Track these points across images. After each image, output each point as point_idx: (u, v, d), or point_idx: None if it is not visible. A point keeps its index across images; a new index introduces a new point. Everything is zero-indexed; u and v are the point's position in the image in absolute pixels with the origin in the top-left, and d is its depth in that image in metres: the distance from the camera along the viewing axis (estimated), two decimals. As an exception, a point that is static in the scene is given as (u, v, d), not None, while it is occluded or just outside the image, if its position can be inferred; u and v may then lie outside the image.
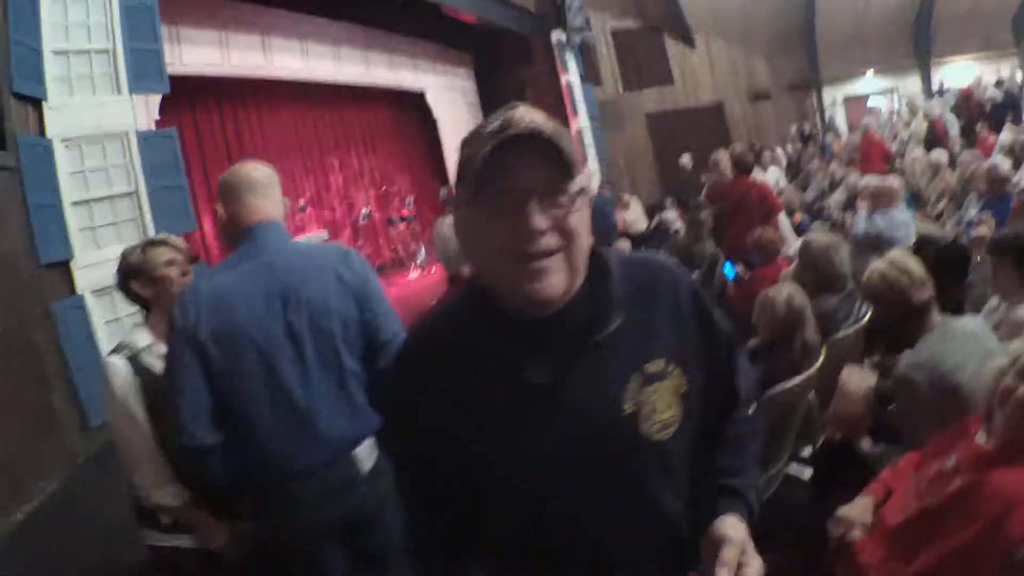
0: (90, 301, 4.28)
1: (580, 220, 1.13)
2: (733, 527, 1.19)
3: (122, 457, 2.28)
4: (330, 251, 2.34)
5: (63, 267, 4.20)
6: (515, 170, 1.09)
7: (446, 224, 2.72)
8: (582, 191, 1.13)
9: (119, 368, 2.29)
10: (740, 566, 1.11)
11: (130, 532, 2.49)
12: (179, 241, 2.55)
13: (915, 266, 2.80)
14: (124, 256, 2.44)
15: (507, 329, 1.18)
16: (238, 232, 2.25)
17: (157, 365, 2.33)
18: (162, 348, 2.34)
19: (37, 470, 3.51)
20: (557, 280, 1.12)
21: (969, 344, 2.55)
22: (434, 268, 9.95)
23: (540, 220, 1.09)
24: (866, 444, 2.86)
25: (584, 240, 1.14)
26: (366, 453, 2.28)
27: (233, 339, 2.10)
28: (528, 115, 1.11)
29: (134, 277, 2.41)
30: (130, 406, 2.27)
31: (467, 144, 1.15)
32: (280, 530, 2.19)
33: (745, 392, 1.41)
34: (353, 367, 2.24)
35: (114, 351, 2.35)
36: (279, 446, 2.13)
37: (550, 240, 1.10)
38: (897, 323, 2.84)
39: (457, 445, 1.21)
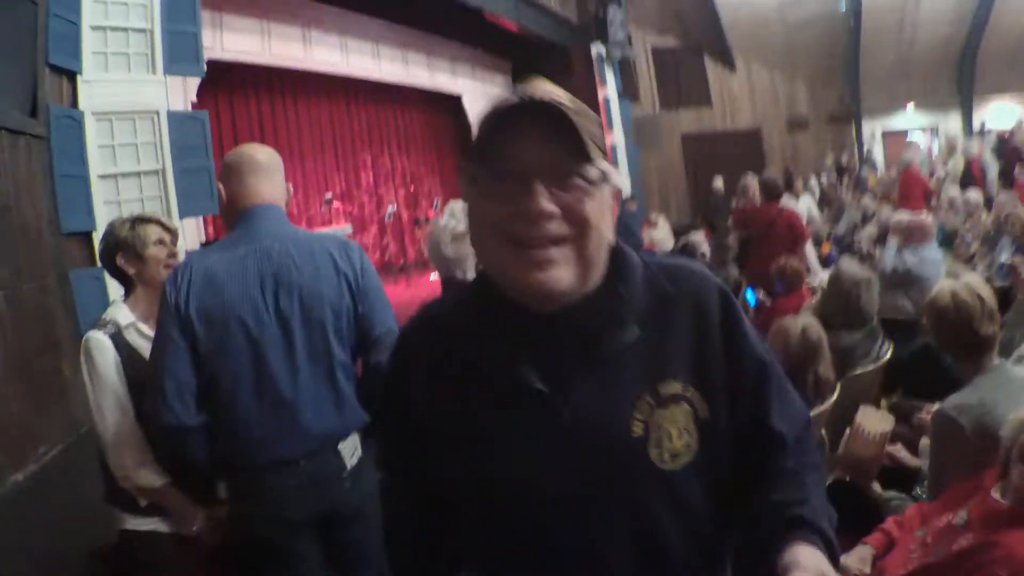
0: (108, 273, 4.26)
1: (597, 209, 1.01)
2: (806, 555, 0.97)
3: (101, 436, 2.23)
4: (329, 240, 2.29)
5: (85, 237, 4.22)
6: (521, 145, 0.98)
7: (439, 225, 2.67)
8: (604, 178, 1.02)
9: (104, 345, 2.24)
10: None
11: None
12: (170, 222, 2.52)
13: (989, 295, 2.61)
14: (112, 229, 2.40)
15: (510, 324, 1.07)
16: (237, 213, 2.23)
17: (140, 344, 2.31)
18: (144, 327, 2.33)
19: (39, 436, 3.51)
20: (563, 273, 1.00)
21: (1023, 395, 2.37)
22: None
23: (546, 202, 0.97)
24: (876, 489, 2.77)
25: (600, 232, 1.03)
26: (351, 448, 2.24)
27: (222, 320, 2.07)
28: (547, 90, 1.01)
29: (120, 251, 2.37)
30: (114, 384, 2.23)
31: (479, 119, 1.02)
32: (256, 520, 2.16)
33: (791, 427, 1.16)
34: (343, 358, 2.21)
35: (96, 327, 2.31)
36: (260, 432, 2.10)
37: (558, 226, 0.99)
38: (952, 351, 2.69)
39: (442, 442, 1.12)
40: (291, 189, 2.38)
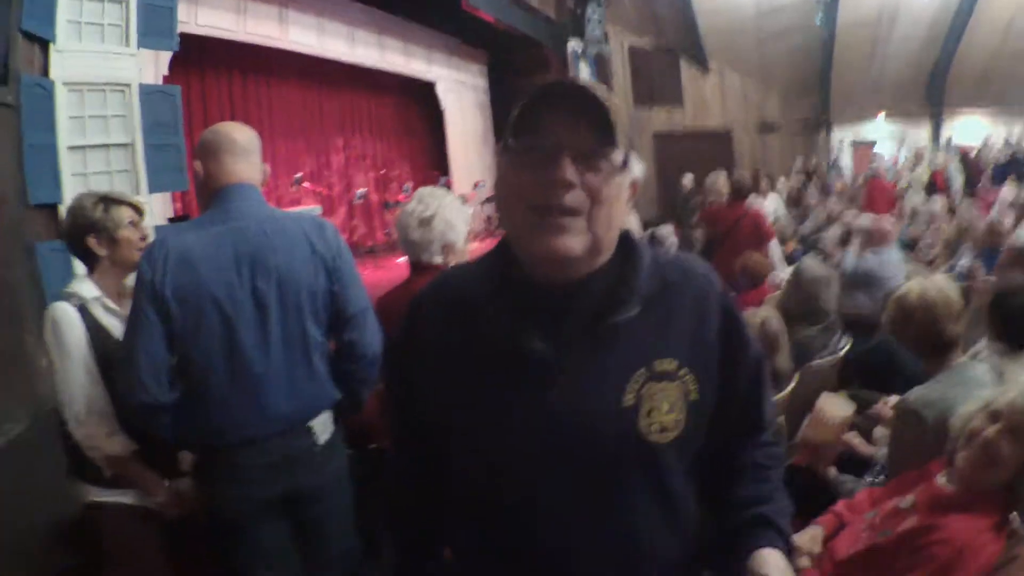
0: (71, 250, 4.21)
1: (614, 190, 1.08)
2: (775, 567, 1.12)
3: (68, 405, 2.23)
4: (304, 221, 2.30)
5: (51, 209, 4.16)
6: (554, 123, 1.05)
7: (406, 211, 2.70)
8: (625, 165, 1.09)
9: (71, 315, 2.24)
10: None
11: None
12: (138, 201, 2.50)
13: (956, 297, 2.67)
14: (83, 209, 2.36)
15: (520, 293, 1.13)
16: (212, 192, 2.22)
17: (104, 318, 2.31)
18: (109, 302, 2.34)
19: (3, 412, 3.47)
20: (575, 242, 1.06)
21: (983, 393, 2.40)
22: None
23: (571, 174, 1.04)
24: (832, 473, 2.84)
25: (612, 212, 1.09)
26: (322, 426, 2.26)
27: (196, 299, 2.07)
28: (585, 80, 1.09)
29: (92, 233, 2.34)
30: (82, 353, 2.22)
31: (522, 96, 1.09)
32: (225, 497, 2.16)
33: (772, 419, 1.32)
34: (317, 337, 2.23)
35: (61, 298, 2.29)
36: (232, 411, 2.11)
37: (577, 197, 1.05)
38: (917, 348, 2.75)
39: (445, 403, 1.19)
40: (267, 169, 2.37)
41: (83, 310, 2.27)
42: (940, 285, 2.70)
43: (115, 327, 2.32)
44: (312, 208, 8.99)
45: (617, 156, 1.07)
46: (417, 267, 2.74)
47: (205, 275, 2.08)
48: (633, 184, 1.15)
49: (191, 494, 2.36)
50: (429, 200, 2.70)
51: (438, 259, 2.68)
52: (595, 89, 1.06)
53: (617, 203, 1.10)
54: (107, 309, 2.33)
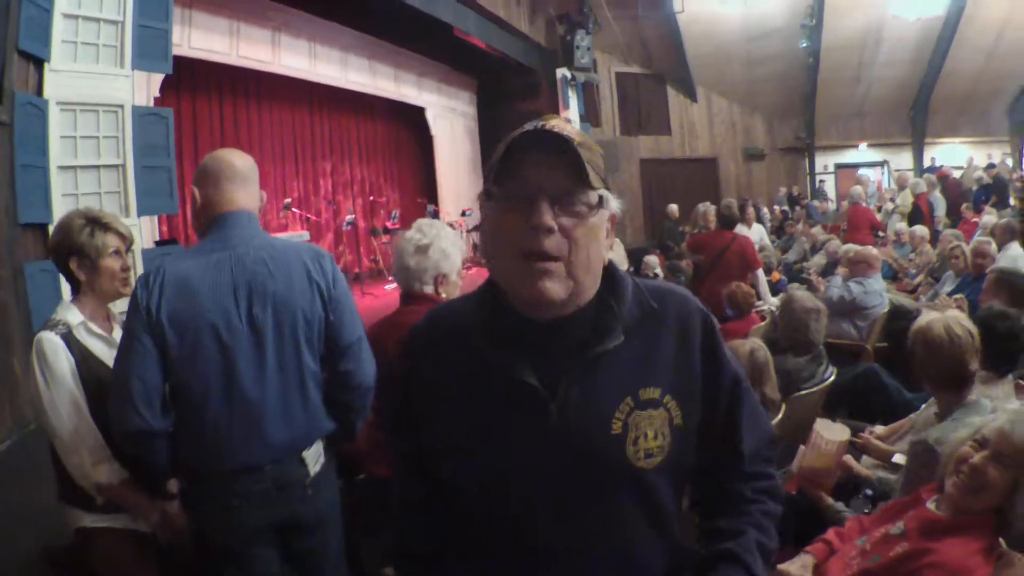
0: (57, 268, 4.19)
1: (589, 233, 1.13)
2: None
3: (57, 436, 2.19)
4: (303, 249, 2.30)
5: (40, 229, 4.15)
6: (532, 170, 1.11)
7: (404, 238, 2.73)
8: (600, 205, 1.15)
9: (57, 345, 2.20)
10: None
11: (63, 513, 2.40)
12: (126, 228, 2.46)
13: (977, 335, 2.69)
14: (69, 230, 2.32)
15: (511, 328, 1.19)
16: (210, 219, 2.22)
17: (90, 342, 2.29)
18: (93, 325, 2.31)
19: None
20: (558, 288, 1.12)
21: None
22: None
23: (549, 219, 1.10)
24: (829, 502, 2.81)
25: (588, 254, 1.14)
26: (315, 456, 2.25)
27: (193, 327, 2.06)
28: (559, 124, 1.14)
29: (75, 256, 2.31)
30: (69, 384, 2.19)
31: (500, 144, 1.16)
32: (218, 524, 2.14)
33: (754, 445, 1.32)
34: (312, 367, 2.21)
35: (46, 327, 2.25)
36: (227, 438, 2.09)
37: (556, 241, 1.11)
38: (936, 382, 2.73)
39: (443, 433, 1.23)
40: (264, 197, 2.38)
41: (69, 336, 2.24)
42: (962, 320, 2.72)
43: (101, 351, 2.30)
44: (300, 234, 8.98)
45: (592, 197, 1.13)
46: (408, 296, 2.76)
47: (202, 301, 2.07)
48: (611, 219, 1.21)
49: (181, 516, 2.32)
50: (427, 229, 2.74)
51: (429, 289, 2.71)
52: (570, 133, 1.12)
53: (594, 244, 1.15)
54: (92, 333, 2.31)
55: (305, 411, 2.19)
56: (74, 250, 2.31)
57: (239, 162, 2.27)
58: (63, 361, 2.20)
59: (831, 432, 2.85)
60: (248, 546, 2.15)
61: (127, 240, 2.44)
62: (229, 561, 2.16)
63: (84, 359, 2.25)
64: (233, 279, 2.11)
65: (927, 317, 2.81)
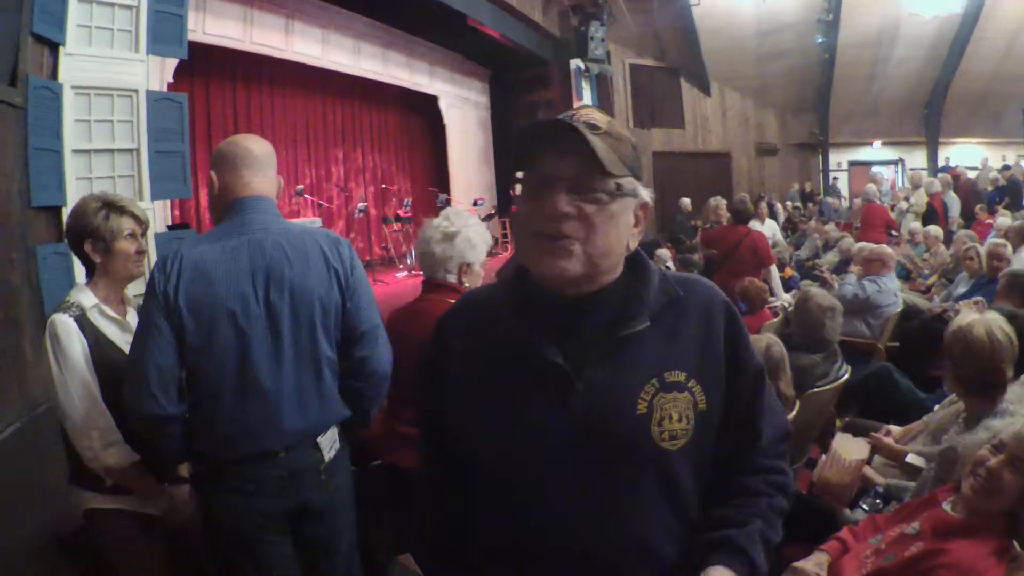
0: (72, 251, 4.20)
1: (607, 219, 1.17)
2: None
3: (69, 418, 2.19)
4: (320, 236, 2.28)
5: (54, 212, 4.16)
6: (551, 158, 1.16)
7: (432, 225, 2.72)
8: (620, 192, 1.18)
9: (70, 328, 2.21)
10: None
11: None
12: (142, 212, 2.46)
13: (1016, 340, 2.64)
14: (85, 213, 2.32)
15: (539, 308, 1.23)
16: (228, 204, 2.21)
17: (104, 325, 2.29)
18: (107, 308, 2.31)
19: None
20: (571, 265, 1.16)
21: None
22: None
23: (566, 205, 1.14)
24: (847, 514, 2.77)
25: (606, 239, 1.17)
26: (330, 442, 2.25)
27: (211, 312, 2.05)
28: (586, 113, 1.19)
29: (90, 238, 2.31)
30: (82, 367, 2.20)
31: (520, 133, 1.23)
32: (231, 509, 2.14)
33: (771, 432, 1.33)
34: (328, 354, 2.21)
35: (60, 309, 2.26)
36: (242, 424, 2.08)
37: (573, 226, 1.15)
38: (970, 385, 2.67)
39: (472, 411, 1.26)
40: (282, 182, 2.37)
41: (82, 319, 2.25)
42: (1002, 324, 2.65)
43: (114, 334, 2.31)
44: (312, 220, 9.00)
45: (609, 185, 1.17)
46: (430, 284, 2.75)
47: (220, 287, 2.06)
48: (643, 207, 1.25)
49: (189, 501, 2.34)
50: (455, 218, 2.74)
51: (452, 278, 2.70)
52: (597, 121, 1.18)
53: (613, 228, 1.18)
54: (106, 316, 2.31)
55: (320, 398, 2.19)
56: (89, 232, 2.30)
57: (257, 148, 2.26)
58: (76, 344, 2.20)
59: (851, 447, 2.85)
60: (260, 532, 2.15)
61: (143, 223, 2.44)
62: (241, 547, 2.16)
63: (97, 342, 2.25)
64: (251, 264, 2.10)
65: (967, 317, 2.75)
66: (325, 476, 2.23)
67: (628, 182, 1.19)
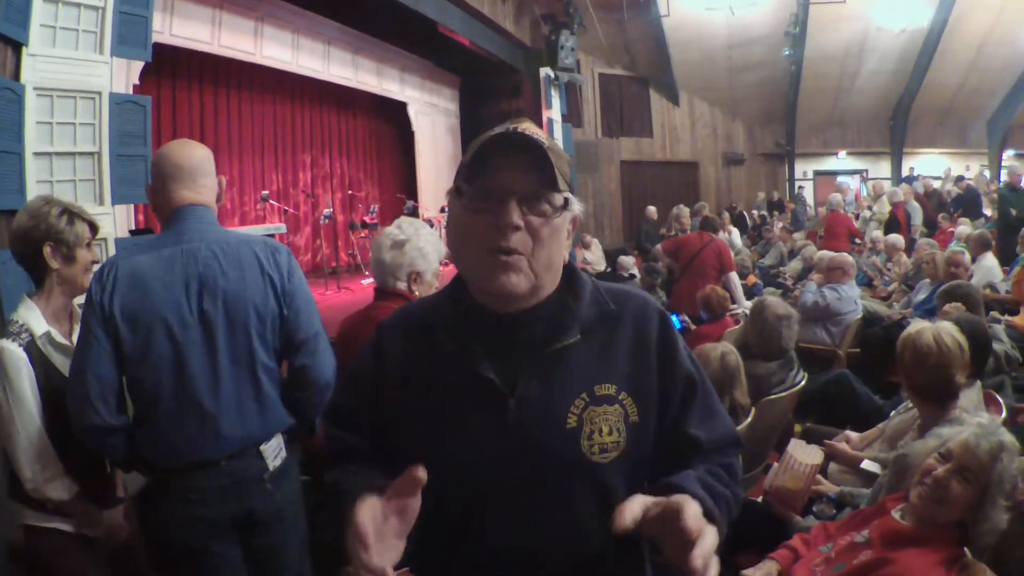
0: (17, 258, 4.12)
1: (552, 233, 1.18)
2: (693, 514, 1.00)
3: (12, 448, 2.17)
4: (257, 243, 2.27)
5: (13, 217, 4.08)
6: (503, 170, 1.16)
7: (383, 233, 2.74)
8: (565, 206, 1.19)
9: (19, 360, 2.17)
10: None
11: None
12: (94, 219, 2.43)
13: (966, 347, 2.68)
14: (44, 215, 2.26)
15: (473, 323, 1.23)
16: (165, 215, 2.21)
17: (53, 355, 2.25)
18: (57, 335, 2.28)
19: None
20: (519, 280, 1.16)
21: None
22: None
23: (517, 217, 1.14)
24: (798, 521, 2.80)
25: (550, 252, 1.19)
26: (274, 450, 2.24)
27: (146, 322, 2.05)
28: (530, 128, 1.19)
29: (51, 242, 2.26)
30: (28, 398, 2.17)
31: (472, 144, 1.20)
32: (175, 520, 2.12)
33: (711, 438, 1.28)
34: (267, 362, 2.20)
35: (8, 335, 2.21)
36: (181, 433, 2.08)
37: (522, 239, 1.15)
38: (921, 393, 2.71)
39: (406, 424, 1.25)
40: (223, 182, 2.34)
41: (31, 347, 2.20)
42: (953, 332, 2.69)
43: (63, 364, 2.25)
44: (277, 227, 8.91)
45: (558, 199, 1.18)
46: (381, 292, 2.76)
47: (154, 296, 2.06)
48: (573, 220, 1.26)
49: (125, 524, 2.35)
50: (406, 226, 2.76)
51: (402, 286, 2.72)
52: (540, 137, 1.17)
53: (556, 242, 1.20)
54: (55, 344, 2.27)
55: (260, 406, 2.18)
56: (52, 236, 2.26)
57: (184, 160, 2.23)
58: (24, 379, 2.17)
59: (805, 454, 2.86)
60: (206, 542, 2.14)
61: (96, 232, 2.42)
62: (188, 558, 2.14)
63: (46, 372, 2.22)
64: (185, 274, 2.10)
65: (917, 325, 2.81)
66: (270, 485, 2.22)
67: (571, 197, 1.21)
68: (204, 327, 2.10)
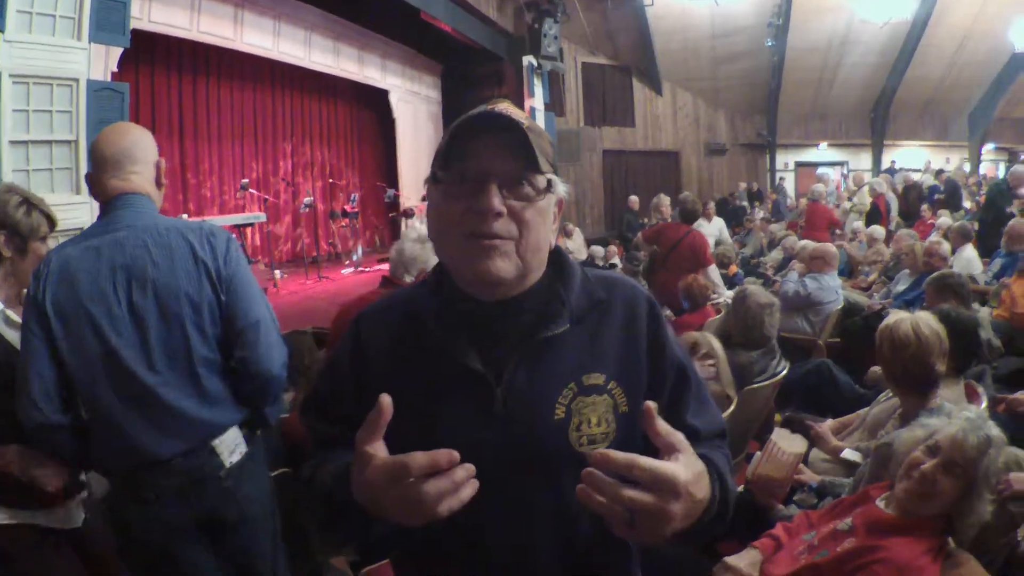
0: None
1: (538, 215, 1.14)
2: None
3: None
4: (191, 229, 2.15)
5: (-12, 205, 4.03)
6: (481, 153, 1.11)
7: (413, 226, 2.74)
8: (549, 189, 1.16)
9: None
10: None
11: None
12: (54, 214, 2.35)
13: (945, 336, 2.68)
14: (3, 203, 2.21)
15: (460, 312, 1.20)
16: (102, 205, 2.15)
17: (9, 333, 2.18)
18: (13, 314, 2.20)
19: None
20: (505, 265, 1.12)
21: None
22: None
23: (498, 202, 1.10)
24: (780, 510, 2.81)
25: (538, 236, 1.15)
26: (229, 446, 2.14)
27: (74, 316, 1.97)
28: (508, 108, 1.15)
29: (6, 231, 2.20)
30: None
31: (450, 128, 1.15)
32: (137, 520, 2.06)
33: (705, 426, 1.27)
34: (206, 353, 2.08)
35: None
36: (123, 432, 2.00)
37: (506, 225, 1.11)
38: (901, 383, 2.72)
39: (398, 411, 1.17)
40: (163, 165, 2.24)
41: None
42: (930, 321, 2.70)
43: (16, 339, 2.16)
44: (256, 215, 8.84)
45: (540, 181, 1.14)
46: (388, 281, 2.76)
47: (80, 290, 1.98)
48: (559, 203, 1.22)
49: (81, 509, 2.27)
50: None
51: (409, 279, 2.71)
52: (519, 117, 1.12)
53: (542, 226, 1.16)
54: (10, 322, 2.19)
55: (201, 401, 2.07)
56: (8, 225, 2.20)
57: (109, 149, 2.14)
58: None
59: (788, 443, 2.85)
60: (169, 541, 2.07)
61: (54, 226, 2.34)
62: (153, 557, 2.08)
63: (2, 348, 2.15)
64: (112, 265, 2.01)
65: (895, 316, 2.82)
66: (230, 483, 2.13)
67: (554, 178, 1.17)
68: (135, 320, 2.00)
